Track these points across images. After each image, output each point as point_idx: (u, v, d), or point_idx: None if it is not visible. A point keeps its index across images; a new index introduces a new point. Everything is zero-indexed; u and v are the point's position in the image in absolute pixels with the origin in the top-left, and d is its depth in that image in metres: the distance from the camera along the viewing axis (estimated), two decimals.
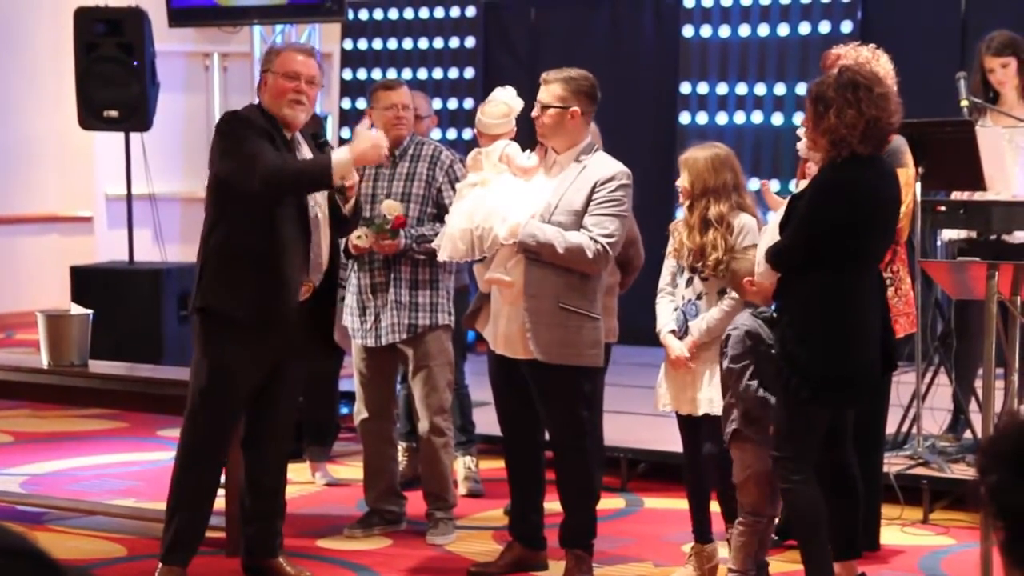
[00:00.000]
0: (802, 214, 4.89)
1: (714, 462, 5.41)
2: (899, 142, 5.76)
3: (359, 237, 5.87)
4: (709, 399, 5.36)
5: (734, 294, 5.33)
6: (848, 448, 5.16)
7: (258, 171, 5.16)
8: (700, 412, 5.40)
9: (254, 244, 5.23)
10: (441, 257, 5.53)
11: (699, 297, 5.43)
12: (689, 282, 5.45)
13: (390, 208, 5.89)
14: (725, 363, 5.11)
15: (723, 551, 5.48)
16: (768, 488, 5.16)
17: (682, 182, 5.47)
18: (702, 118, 9.89)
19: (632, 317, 7.42)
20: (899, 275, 5.81)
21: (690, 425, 5.51)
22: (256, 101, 5.49)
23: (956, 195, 6.67)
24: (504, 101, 5.60)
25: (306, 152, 5.43)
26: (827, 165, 4.92)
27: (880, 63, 5.79)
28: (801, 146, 5.51)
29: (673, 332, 5.45)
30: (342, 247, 5.94)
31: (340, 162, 5.23)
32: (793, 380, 4.85)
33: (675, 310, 5.48)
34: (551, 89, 5.38)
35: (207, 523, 5.47)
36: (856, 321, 4.89)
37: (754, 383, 5.05)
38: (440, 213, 5.96)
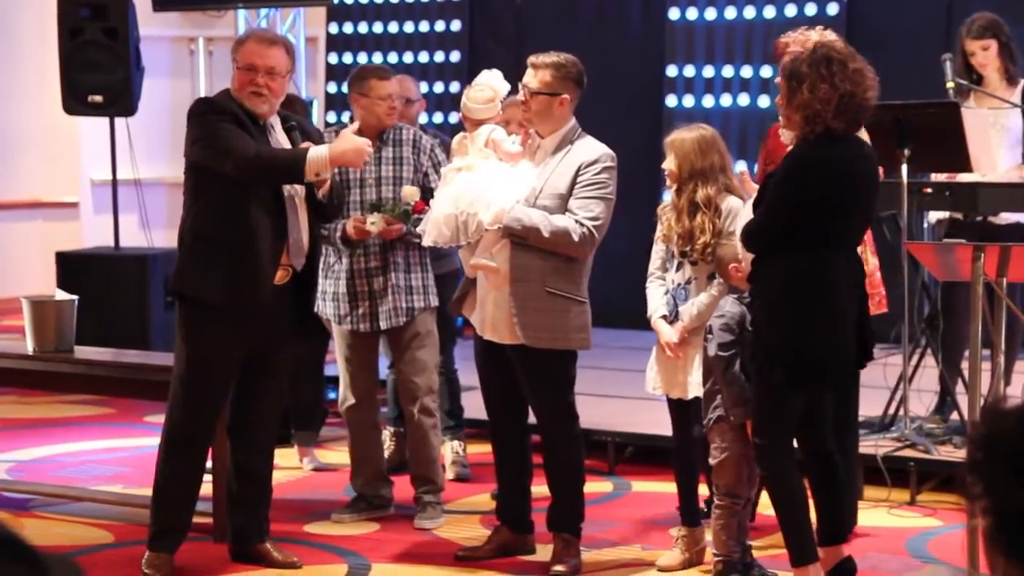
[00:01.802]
0: (774, 192, 4.84)
1: (703, 445, 5.41)
2: None
3: (373, 223, 5.85)
4: (699, 383, 5.36)
5: (718, 287, 5.33)
6: (828, 434, 5.13)
7: (231, 157, 5.17)
8: (690, 395, 5.40)
9: (226, 229, 5.24)
10: (426, 242, 5.51)
11: (688, 282, 5.43)
12: (679, 267, 5.45)
13: (410, 194, 5.88)
14: (712, 350, 5.10)
15: (710, 535, 5.48)
16: (745, 470, 5.17)
17: (668, 165, 5.45)
18: (688, 101, 9.88)
19: (619, 301, 7.42)
20: (864, 256, 5.80)
21: (680, 408, 5.51)
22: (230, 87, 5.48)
23: (940, 177, 6.67)
24: (489, 85, 5.57)
25: (279, 137, 5.41)
26: (800, 142, 4.87)
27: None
28: (783, 131, 5.49)
29: (665, 317, 5.45)
30: (339, 233, 5.93)
31: (316, 158, 5.20)
32: (766, 364, 4.82)
33: (665, 294, 5.48)
34: (540, 75, 5.36)
35: (193, 509, 5.46)
36: (829, 303, 4.81)
37: (738, 370, 5.06)
38: (426, 197, 5.95)
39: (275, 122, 5.43)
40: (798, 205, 4.76)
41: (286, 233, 5.30)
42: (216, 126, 5.24)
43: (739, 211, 5.32)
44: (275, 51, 5.35)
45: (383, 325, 6.02)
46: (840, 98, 4.73)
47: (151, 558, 5.36)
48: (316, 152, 5.22)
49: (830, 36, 5.79)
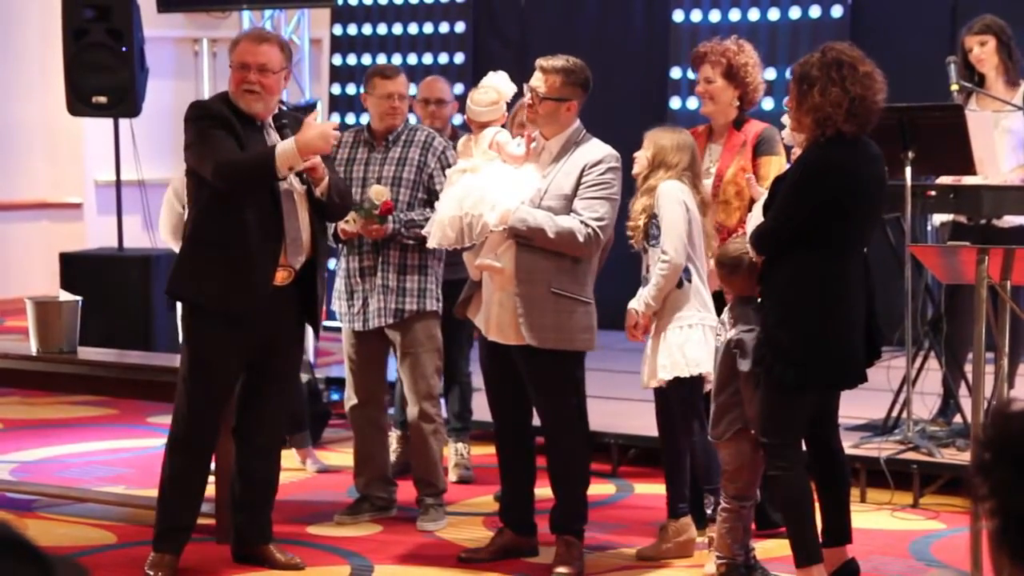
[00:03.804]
0: (785, 194, 4.85)
1: (687, 432, 5.48)
2: (771, 132, 5.79)
3: (347, 221, 5.86)
4: (662, 365, 5.41)
5: (664, 257, 5.34)
6: (836, 434, 5.15)
7: (210, 164, 5.19)
8: (659, 376, 5.44)
9: (220, 232, 5.25)
10: (431, 244, 5.51)
11: (647, 270, 5.49)
12: (642, 257, 5.53)
13: (378, 193, 5.88)
14: (746, 366, 4.99)
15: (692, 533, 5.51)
16: (757, 474, 5.16)
17: (642, 153, 5.53)
18: (692, 103, 9.86)
19: (621, 303, 7.40)
20: None
21: (659, 396, 5.55)
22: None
23: (945, 179, 6.67)
24: (494, 88, 5.57)
25: (275, 138, 5.39)
26: (811, 145, 4.88)
27: (745, 52, 5.83)
28: (786, 133, 5.50)
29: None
30: (331, 231, 5.94)
31: (283, 152, 5.17)
32: (776, 366, 4.82)
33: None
34: (549, 81, 5.35)
35: (197, 511, 5.46)
36: (838, 304, 4.83)
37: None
38: (431, 199, 5.95)
39: (272, 124, 5.41)
40: (810, 208, 4.78)
41: (283, 234, 5.29)
42: (203, 132, 5.25)
43: (663, 193, 5.39)
44: (266, 48, 5.34)
45: (371, 324, 6.02)
46: (851, 101, 4.75)
47: (154, 559, 5.37)
48: (283, 146, 5.19)
49: (746, 46, 5.85)
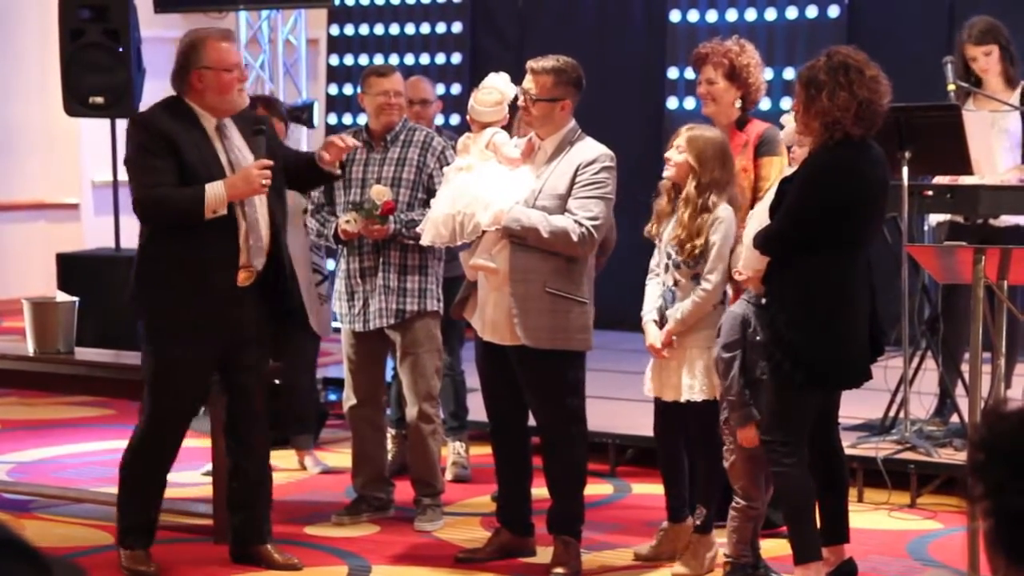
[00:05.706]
0: (793, 197, 4.87)
1: (691, 446, 5.46)
2: (773, 132, 5.78)
3: (348, 222, 5.86)
4: (689, 386, 5.36)
5: (707, 284, 5.31)
6: (836, 433, 5.17)
7: (138, 195, 5.23)
8: (683, 398, 5.38)
9: (178, 240, 5.26)
10: (424, 241, 5.52)
11: (675, 284, 5.42)
12: (667, 268, 5.44)
13: (379, 193, 5.88)
14: (717, 349, 5.11)
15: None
16: (757, 470, 5.17)
17: (684, 159, 5.36)
18: (689, 103, 9.86)
19: (619, 303, 7.41)
20: None
21: (668, 411, 5.50)
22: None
23: (942, 179, 6.67)
24: (497, 89, 5.57)
25: (236, 139, 5.35)
26: (819, 148, 4.90)
27: (747, 52, 5.83)
28: (784, 133, 5.50)
29: (657, 320, 5.44)
30: (331, 232, 5.94)
31: (212, 195, 5.17)
32: (786, 365, 4.84)
33: (659, 297, 5.48)
34: (541, 82, 5.34)
35: (159, 507, 5.47)
36: (848, 305, 4.88)
37: (737, 374, 5.07)
38: (430, 199, 5.94)
39: (231, 123, 5.36)
40: (819, 211, 4.80)
41: (236, 239, 5.26)
42: (141, 154, 5.26)
43: (722, 217, 5.31)
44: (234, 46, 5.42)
45: (372, 325, 6.02)
46: (859, 105, 4.77)
47: (128, 556, 5.39)
48: (214, 189, 5.18)
49: (747, 46, 5.84)
